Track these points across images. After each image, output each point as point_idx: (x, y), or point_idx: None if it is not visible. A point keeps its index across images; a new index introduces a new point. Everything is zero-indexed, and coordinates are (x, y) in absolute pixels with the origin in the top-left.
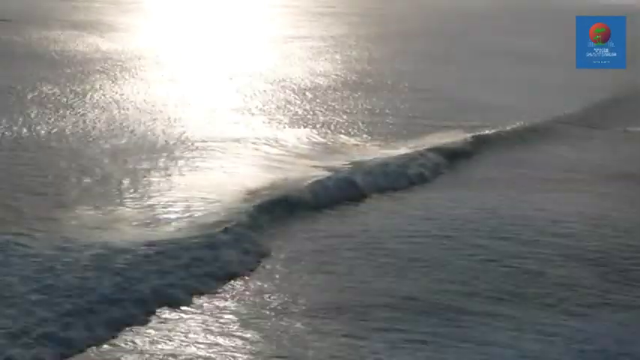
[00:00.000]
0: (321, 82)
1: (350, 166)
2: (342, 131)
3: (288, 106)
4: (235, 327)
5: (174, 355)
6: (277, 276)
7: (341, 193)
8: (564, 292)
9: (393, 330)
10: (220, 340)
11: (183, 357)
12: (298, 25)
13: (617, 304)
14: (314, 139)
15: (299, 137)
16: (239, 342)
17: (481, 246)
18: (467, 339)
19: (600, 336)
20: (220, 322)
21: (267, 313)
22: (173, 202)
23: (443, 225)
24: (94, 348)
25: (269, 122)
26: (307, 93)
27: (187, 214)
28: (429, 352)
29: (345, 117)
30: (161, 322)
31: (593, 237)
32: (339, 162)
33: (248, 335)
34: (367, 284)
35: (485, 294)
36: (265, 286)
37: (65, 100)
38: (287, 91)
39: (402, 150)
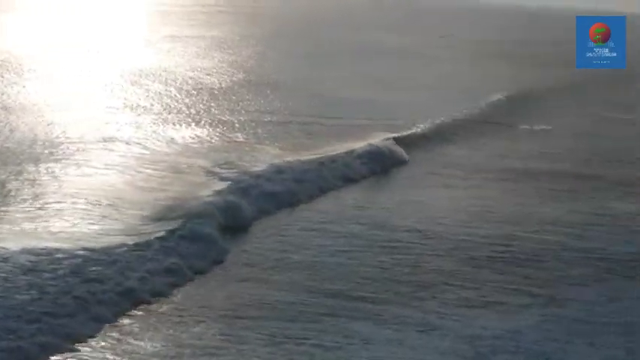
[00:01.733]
0: (210, 81)
1: (264, 169)
2: (244, 133)
3: (175, 104)
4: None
5: None
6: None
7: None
8: (443, 286)
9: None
10: None
11: None
12: (182, 24)
13: (492, 296)
14: (208, 140)
15: (191, 136)
16: None
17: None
18: (352, 336)
19: (480, 328)
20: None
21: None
22: (55, 207)
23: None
24: None
25: (155, 122)
26: (197, 92)
27: (70, 222)
28: (317, 351)
29: (243, 117)
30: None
31: (468, 231)
32: (253, 166)
33: None
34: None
35: (369, 291)
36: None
37: None
38: (172, 89)
39: (308, 155)
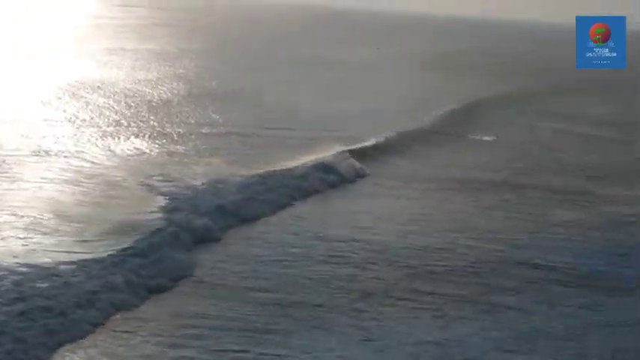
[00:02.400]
0: (149, 94)
1: (208, 183)
2: (184, 145)
3: (114, 117)
4: None
5: None
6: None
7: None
8: (382, 295)
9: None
10: None
11: None
12: (120, 37)
13: (432, 305)
14: (148, 152)
15: (130, 149)
16: None
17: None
18: (293, 347)
19: (423, 338)
20: None
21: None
22: None
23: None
24: None
25: (94, 134)
26: (136, 104)
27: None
28: None
29: (183, 129)
30: None
31: (409, 241)
32: (195, 180)
33: None
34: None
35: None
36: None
37: None
38: (111, 101)
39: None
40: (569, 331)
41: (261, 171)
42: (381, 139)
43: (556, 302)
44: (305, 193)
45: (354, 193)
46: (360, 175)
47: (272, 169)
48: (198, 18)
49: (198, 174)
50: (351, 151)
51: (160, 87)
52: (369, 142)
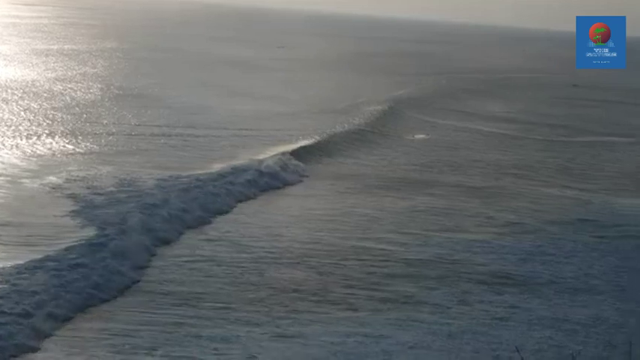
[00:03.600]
0: (63, 94)
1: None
2: (102, 146)
3: (30, 117)
4: None
5: None
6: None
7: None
8: (293, 294)
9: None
10: None
11: None
12: (36, 36)
13: (345, 302)
14: (62, 153)
15: (42, 151)
16: None
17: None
18: (204, 346)
19: (339, 334)
20: None
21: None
22: None
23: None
24: None
25: (8, 135)
26: (51, 105)
27: None
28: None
29: (101, 130)
30: None
31: (323, 240)
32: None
33: None
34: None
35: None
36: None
37: None
38: (27, 102)
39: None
40: (482, 327)
41: (199, 172)
42: (313, 139)
43: (467, 298)
44: (242, 197)
45: (291, 195)
46: (299, 177)
47: (203, 170)
48: (105, 17)
49: (119, 177)
50: (286, 153)
51: (71, 86)
52: (304, 143)
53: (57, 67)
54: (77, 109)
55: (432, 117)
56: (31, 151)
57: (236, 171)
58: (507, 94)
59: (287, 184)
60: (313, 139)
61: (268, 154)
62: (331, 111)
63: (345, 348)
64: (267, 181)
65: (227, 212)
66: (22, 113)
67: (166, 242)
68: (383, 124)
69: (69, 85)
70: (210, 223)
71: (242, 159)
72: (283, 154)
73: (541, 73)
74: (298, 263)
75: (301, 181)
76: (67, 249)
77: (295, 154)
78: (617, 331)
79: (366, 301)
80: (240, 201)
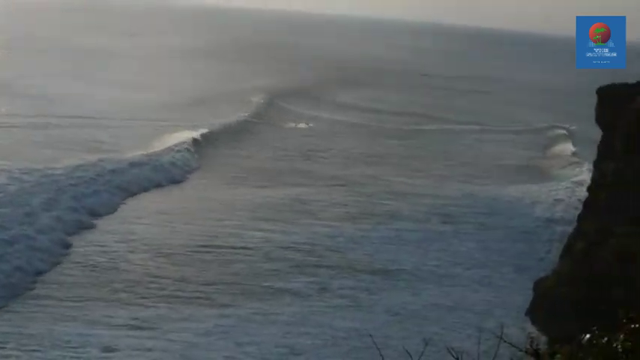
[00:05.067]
0: None
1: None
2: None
3: None
4: None
5: None
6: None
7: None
8: (148, 284)
9: None
10: None
11: None
12: None
13: (200, 291)
14: None
15: None
16: None
17: None
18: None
19: (193, 324)
20: None
21: None
22: None
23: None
24: None
25: None
26: None
27: None
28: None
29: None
30: None
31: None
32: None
33: None
34: None
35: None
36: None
37: None
38: None
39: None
40: (340, 312)
41: (80, 162)
42: (204, 130)
43: (328, 287)
44: (131, 192)
45: (178, 190)
46: (186, 171)
47: (83, 163)
48: None
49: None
50: (175, 146)
51: None
52: (191, 135)
53: None
54: None
55: (307, 108)
56: None
57: (121, 165)
58: (367, 82)
59: (174, 179)
60: (202, 130)
61: (155, 147)
62: (212, 100)
63: (204, 340)
64: (153, 176)
65: (112, 212)
66: None
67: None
68: (265, 114)
69: None
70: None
71: (123, 152)
72: (173, 146)
73: (397, 63)
74: (162, 257)
75: (188, 177)
76: None
77: (183, 146)
78: (475, 316)
79: (224, 294)
80: (126, 198)
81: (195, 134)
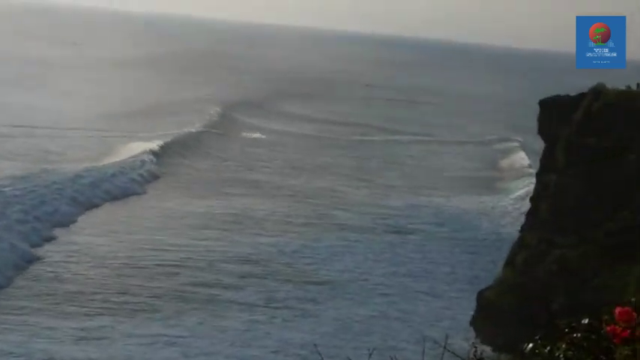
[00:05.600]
0: None
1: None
2: None
3: None
4: None
5: None
6: None
7: None
8: (93, 295)
9: None
10: None
11: None
12: None
13: (146, 302)
14: None
15: None
16: None
17: None
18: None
19: (141, 336)
20: None
21: None
22: None
23: None
24: None
25: None
26: None
27: None
28: None
29: None
30: None
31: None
32: None
33: None
34: None
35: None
36: None
37: None
38: None
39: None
40: (287, 323)
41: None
42: (159, 141)
43: (274, 296)
44: (82, 204)
45: (132, 203)
46: (152, 178)
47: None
48: None
49: None
50: (130, 158)
51: None
52: (151, 145)
53: None
54: None
55: (253, 118)
56: None
57: (74, 177)
58: (311, 93)
59: (129, 192)
60: (157, 142)
61: (105, 159)
62: (157, 111)
63: (150, 350)
64: (109, 189)
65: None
66: None
67: None
68: (211, 126)
69: None
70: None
71: (72, 163)
72: (129, 158)
73: (343, 73)
74: (105, 268)
75: (145, 191)
76: None
77: (139, 157)
78: (420, 326)
79: (170, 304)
80: (84, 211)
81: (151, 145)
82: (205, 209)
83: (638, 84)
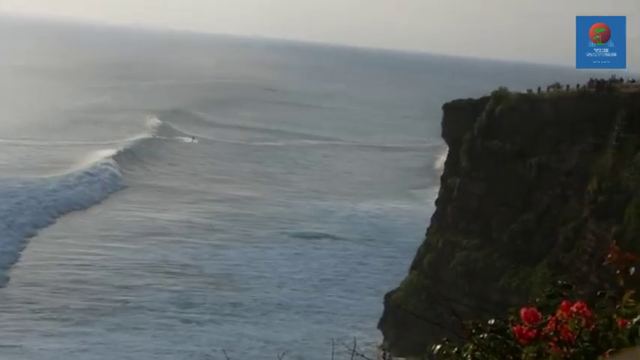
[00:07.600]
0: None
1: None
2: None
3: None
4: None
5: None
6: None
7: None
8: (27, 313)
9: None
10: None
11: None
12: None
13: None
14: None
15: None
16: None
17: None
18: None
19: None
20: None
21: None
22: None
23: None
24: None
25: None
26: None
27: None
28: None
29: None
30: None
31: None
32: None
33: None
34: None
35: None
36: None
37: None
38: None
39: None
40: (219, 324)
41: None
42: (113, 150)
43: (194, 301)
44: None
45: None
46: (118, 187)
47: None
48: None
49: None
50: (81, 170)
51: None
52: (116, 153)
53: None
54: None
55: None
56: None
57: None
58: (212, 97)
59: (85, 203)
60: (111, 150)
61: (60, 172)
62: (89, 122)
63: (69, 357)
64: (64, 202)
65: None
66: None
67: None
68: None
69: None
70: None
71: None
72: (83, 171)
73: (243, 78)
74: (44, 286)
75: (99, 202)
76: None
77: (95, 167)
78: (332, 330)
79: (81, 312)
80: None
81: (106, 153)
82: (105, 218)
83: (539, 88)
